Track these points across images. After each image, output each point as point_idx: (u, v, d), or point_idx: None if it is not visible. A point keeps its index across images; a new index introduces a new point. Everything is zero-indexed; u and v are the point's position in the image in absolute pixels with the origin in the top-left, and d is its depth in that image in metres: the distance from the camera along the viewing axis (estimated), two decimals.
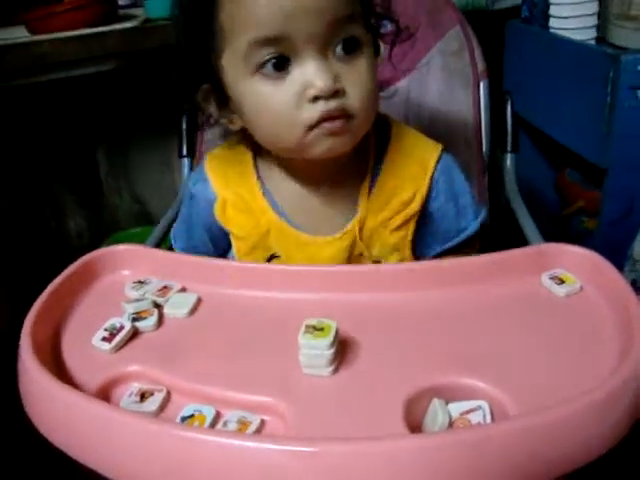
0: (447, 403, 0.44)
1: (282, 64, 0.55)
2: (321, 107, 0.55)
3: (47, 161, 1.56)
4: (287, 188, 0.66)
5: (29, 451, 0.78)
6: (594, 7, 1.19)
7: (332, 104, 0.55)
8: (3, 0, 1.42)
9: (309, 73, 0.54)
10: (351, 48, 0.56)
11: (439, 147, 0.67)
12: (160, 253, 0.62)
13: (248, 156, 0.68)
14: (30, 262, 1.51)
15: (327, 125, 0.56)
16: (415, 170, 0.65)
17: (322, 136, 0.57)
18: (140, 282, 0.60)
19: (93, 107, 1.54)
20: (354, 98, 0.56)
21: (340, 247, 0.65)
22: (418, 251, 0.68)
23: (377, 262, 0.66)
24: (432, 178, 0.65)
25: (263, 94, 0.56)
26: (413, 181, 0.65)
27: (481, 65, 0.84)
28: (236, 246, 0.68)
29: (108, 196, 1.73)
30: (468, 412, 0.44)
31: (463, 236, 0.68)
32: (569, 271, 0.57)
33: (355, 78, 0.56)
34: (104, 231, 1.71)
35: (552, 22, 1.22)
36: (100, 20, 1.26)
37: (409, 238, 0.66)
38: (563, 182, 1.45)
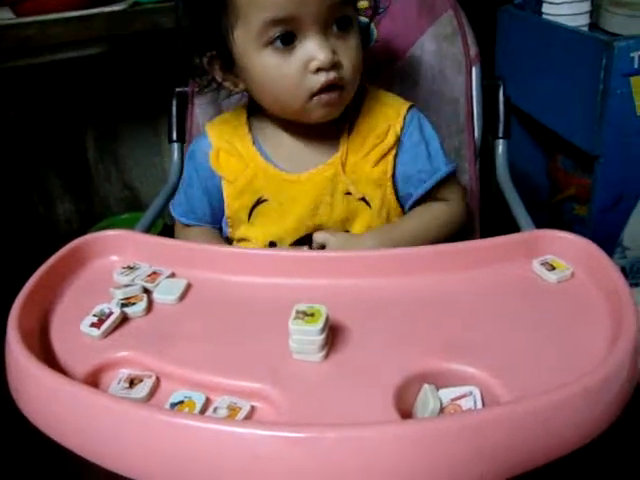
0: (438, 389, 0.44)
1: (289, 39, 0.63)
2: (322, 77, 0.64)
3: (35, 146, 1.54)
4: (275, 139, 0.74)
5: (18, 439, 0.78)
6: None
7: (331, 75, 0.64)
8: None
9: (313, 48, 0.63)
10: (344, 26, 0.65)
11: (409, 103, 0.75)
12: (149, 238, 0.62)
13: (243, 114, 0.76)
14: (18, 247, 1.50)
15: (325, 96, 0.65)
16: (389, 112, 0.73)
17: (319, 105, 0.66)
18: (129, 267, 0.59)
19: (81, 91, 1.52)
20: (347, 70, 0.65)
21: (323, 179, 0.71)
22: (401, 191, 0.74)
23: (364, 200, 0.72)
24: (404, 118, 0.73)
25: (272, 65, 0.65)
26: (387, 120, 0.73)
27: (473, 50, 0.84)
28: (226, 191, 0.74)
29: (97, 181, 1.71)
30: (459, 398, 0.44)
31: (436, 177, 0.73)
32: (560, 257, 0.57)
33: (348, 52, 0.65)
34: (93, 217, 1.69)
35: (545, 8, 1.22)
36: (87, 3, 1.24)
37: (389, 174, 0.72)
38: (554, 169, 1.45)
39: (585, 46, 1.11)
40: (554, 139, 1.31)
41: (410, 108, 0.74)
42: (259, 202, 0.73)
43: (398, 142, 0.72)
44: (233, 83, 0.72)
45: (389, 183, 0.72)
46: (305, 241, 0.72)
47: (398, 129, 0.72)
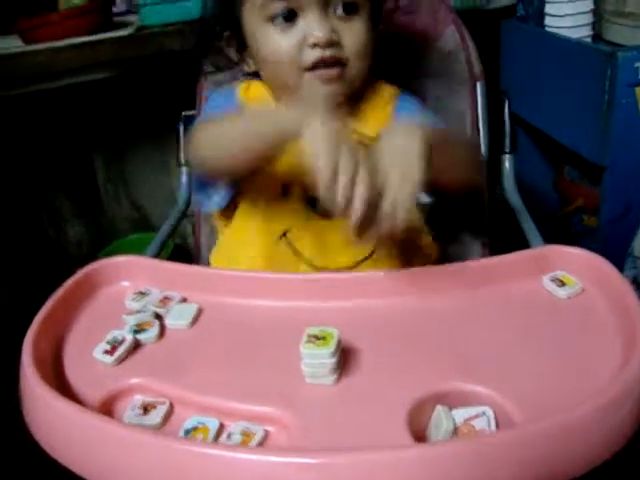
0: (451, 409, 0.44)
1: (291, 17, 0.65)
2: (317, 53, 0.65)
3: (45, 169, 1.56)
4: None
5: (29, 465, 0.78)
6: (589, 4, 1.18)
7: (327, 52, 0.65)
8: None
9: (311, 25, 0.65)
10: (350, 10, 0.66)
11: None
12: (160, 264, 0.62)
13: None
14: (29, 270, 1.51)
15: (322, 72, 0.66)
16: (385, 94, 0.74)
17: (318, 81, 0.66)
18: (141, 293, 0.60)
19: (90, 115, 1.54)
20: (349, 49, 0.66)
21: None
22: None
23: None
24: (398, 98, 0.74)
25: (273, 39, 0.67)
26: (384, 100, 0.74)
27: (477, 67, 0.84)
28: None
29: (106, 204, 1.73)
30: (472, 418, 0.44)
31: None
32: (570, 273, 0.57)
33: (351, 33, 0.66)
34: (103, 238, 1.71)
35: (548, 20, 1.22)
36: (95, 28, 1.26)
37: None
38: (562, 180, 1.45)
39: (589, 57, 1.11)
40: (561, 150, 1.31)
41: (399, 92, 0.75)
42: None
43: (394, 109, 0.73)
44: (247, 64, 0.74)
45: None
46: None
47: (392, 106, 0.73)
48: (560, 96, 1.19)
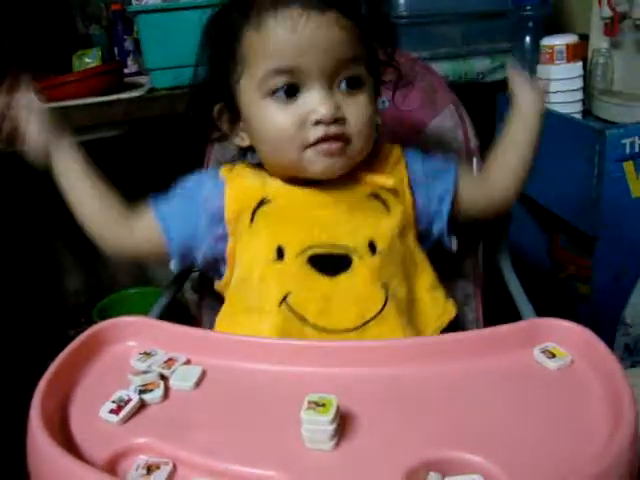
0: (444, 477, 0.45)
1: (293, 92, 0.64)
2: (321, 130, 0.64)
3: (46, 219, 1.58)
4: None
5: None
6: (579, 83, 1.25)
7: (332, 129, 0.64)
8: (14, 69, 1.46)
9: (314, 101, 0.63)
10: (354, 85, 0.66)
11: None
12: (165, 325, 0.64)
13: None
14: (27, 319, 1.52)
15: (324, 145, 0.64)
16: (391, 152, 0.75)
17: (319, 156, 0.65)
18: (146, 353, 0.61)
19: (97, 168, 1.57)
20: (353, 125, 0.65)
21: (338, 183, 0.69)
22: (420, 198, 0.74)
23: (384, 204, 0.71)
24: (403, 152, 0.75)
25: (272, 114, 0.65)
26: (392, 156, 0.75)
27: (473, 142, 0.89)
28: (228, 192, 0.71)
29: (105, 255, 1.75)
30: None
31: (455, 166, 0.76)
32: (560, 345, 0.59)
33: (355, 109, 0.65)
34: (102, 290, 1.72)
35: None
36: (107, 89, 1.31)
37: (405, 181, 0.73)
38: (556, 248, 1.49)
39: (579, 133, 1.17)
40: (554, 219, 1.35)
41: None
42: (262, 203, 0.70)
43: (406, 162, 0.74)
44: (240, 137, 0.72)
45: (407, 190, 0.72)
46: (329, 261, 0.67)
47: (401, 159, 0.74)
48: (553, 169, 1.23)
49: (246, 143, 0.72)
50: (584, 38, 1.34)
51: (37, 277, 1.65)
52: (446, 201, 0.74)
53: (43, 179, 1.32)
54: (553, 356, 0.58)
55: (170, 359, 0.60)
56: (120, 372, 0.59)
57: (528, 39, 1.40)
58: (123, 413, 0.53)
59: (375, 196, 0.70)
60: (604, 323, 1.23)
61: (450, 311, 0.73)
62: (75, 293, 1.76)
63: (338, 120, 0.64)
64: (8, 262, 1.50)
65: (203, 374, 0.58)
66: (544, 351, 0.58)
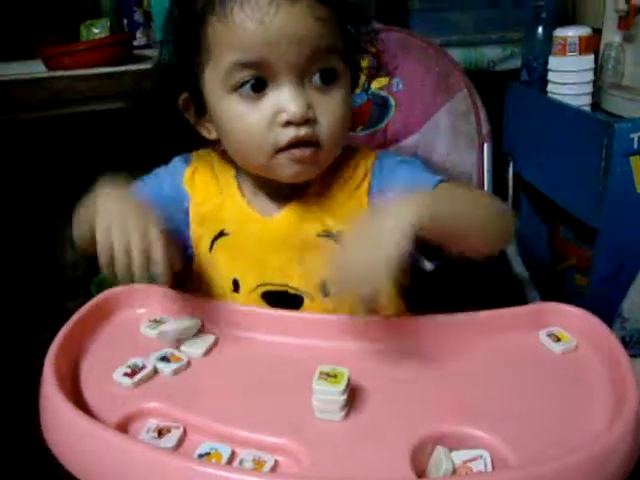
0: (450, 451, 0.46)
1: (260, 86, 0.59)
2: (291, 133, 0.58)
3: (46, 191, 1.58)
4: (254, 189, 0.68)
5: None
6: (590, 75, 1.25)
7: (302, 131, 0.59)
8: (22, 34, 1.46)
9: (284, 98, 0.58)
10: (328, 79, 0.60)
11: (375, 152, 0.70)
12: (178, 294, 0.64)
13: (230, 167, 0.70)
14: (25, 291, 1.52)
15: (296, 152, 0.60)
16: (360, 162, 0.68)
17: (290, 161, 0.60)
18: (155, 321, 0.62)
19: (97, 141, 1.57)
20: (325, 127, 0.60)
21: (292, 216, 0.66)
22: None
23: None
24: (373, 164, 0.68)
25: (239, 112, 0.60)
26: (358, 169, 0.68)
27: (485, 128, 0.89)
28: (192, 214, 0.69)
29: None
30: (470, 461, 0.46)
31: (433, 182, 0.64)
32: (565, 329, 0.60)
33: (329, 107, 0.60)
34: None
35: (550, 87, 1.28)
36: (117, 60, 1.30)
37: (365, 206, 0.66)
38: (556, 239, 1.49)
39: (587, 126, 1.16)
40: (556, 210, 1.35)
41: (377, 157, 0.69)
42: (221, 234, 0.67)
43: (370, 185, 0.67)
44: (207, 130, 0.67)
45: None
46: (281, 298, 0.65)
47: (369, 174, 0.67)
48: (559, 159, 1.23)
49: (213, 136, 0.67)
50: (597, 32, 1.33)
51: (35, 250, 1.65)
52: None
53: (42, 153, 1.32)
54: (558, 340, 0.59)
55: (184, 328, 0.60)
56: (129, 338, 0.60)
57: (540, 30, 1.39)
58: (137, 377, 0.53)
59: (327, 235, 0.66)
60: (600, 315, 1.24)
61: None
62: (73, 266, 1.76)
63: (309, 121, 0.59)
64: (7, 235, 1.50)
65: (215, 342, 0.59)
66: (550, 335, 0.59)
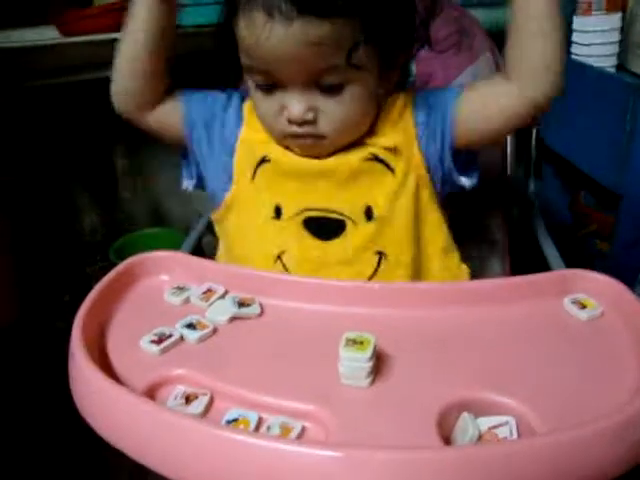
0: (476, 417, 0.47)
1: (270, 88, 0.64)
2: (292, 128, 0.64)
3: (64, 159, 1.58)
4: None
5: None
6: (616, 35, 1.21)
7: (302, 129, 0.64)
8: (35, 0, 1.44)
9: (287, 99, 0.63)
10: (332, 89, 0.62)
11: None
12: (202, 261, 0.65)
13: None
14: (45, 255, 1.54)
15: (300, 141, 0.65)
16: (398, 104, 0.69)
17: (298, 145, 0.66)
18: (179, 288, 0.63)
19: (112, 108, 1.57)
20: (327, 126, 0.64)
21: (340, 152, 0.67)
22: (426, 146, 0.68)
23: (384, 164, 0.67)
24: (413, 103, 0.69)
25: (257, 97, 0.66)
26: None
27: None
28: (240, 140, 0.71)
29: (123, 195, 1.76)
30: (495, 427, 0.46)
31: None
32: (591, 296, 0.60)
33: (332, 110, 0.63)
34: (118, 229, 1.73)
35: (574, 48, 1.25)
36: None
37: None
38: (577, 205, 1.48)
39: (612, 88, 1.14)
40: (578, 175, 1.34)
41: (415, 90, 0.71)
42: (263, 161, 0.69)
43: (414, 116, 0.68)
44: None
45: (414, 144, 0.67)
46: (323, 224, 0.67)
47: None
48: (583, 123, 1.21)
49: None
50: None
51: (55, 215, 1.66)
52: (447, 120, 0.67)
53: (64, 120, 1.31)
54: (584, 307, 0.58)
55: (208, 290, 0.60)
56: (154, 304, 0.61)
57: None
58: (164, 344, 0.54)
59: (375, 158, 0.67)
60: (621, 281, 1.23)
61: (462, 278, 0.72)
62: (92, 232, 1.78)
63: (309, 121, 0.63)
64: (26, 201, 1.51)
65: (239, 309, 0.59)
66: (575, 302, 0.59)
